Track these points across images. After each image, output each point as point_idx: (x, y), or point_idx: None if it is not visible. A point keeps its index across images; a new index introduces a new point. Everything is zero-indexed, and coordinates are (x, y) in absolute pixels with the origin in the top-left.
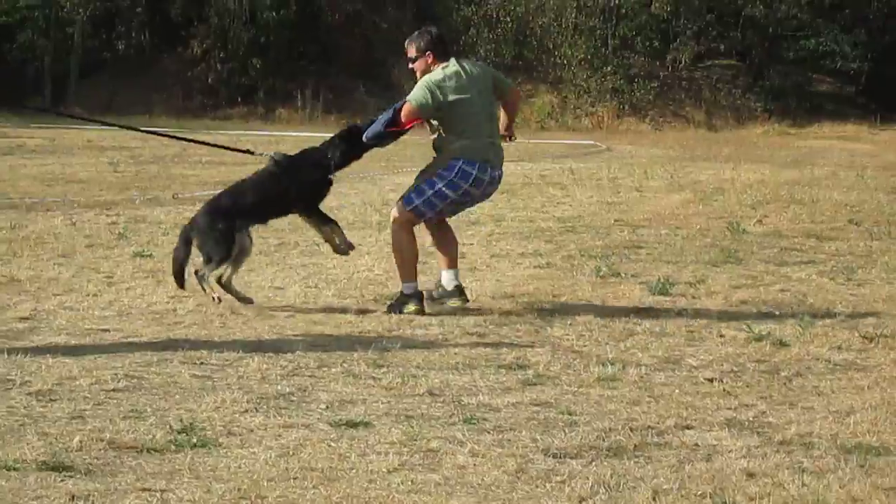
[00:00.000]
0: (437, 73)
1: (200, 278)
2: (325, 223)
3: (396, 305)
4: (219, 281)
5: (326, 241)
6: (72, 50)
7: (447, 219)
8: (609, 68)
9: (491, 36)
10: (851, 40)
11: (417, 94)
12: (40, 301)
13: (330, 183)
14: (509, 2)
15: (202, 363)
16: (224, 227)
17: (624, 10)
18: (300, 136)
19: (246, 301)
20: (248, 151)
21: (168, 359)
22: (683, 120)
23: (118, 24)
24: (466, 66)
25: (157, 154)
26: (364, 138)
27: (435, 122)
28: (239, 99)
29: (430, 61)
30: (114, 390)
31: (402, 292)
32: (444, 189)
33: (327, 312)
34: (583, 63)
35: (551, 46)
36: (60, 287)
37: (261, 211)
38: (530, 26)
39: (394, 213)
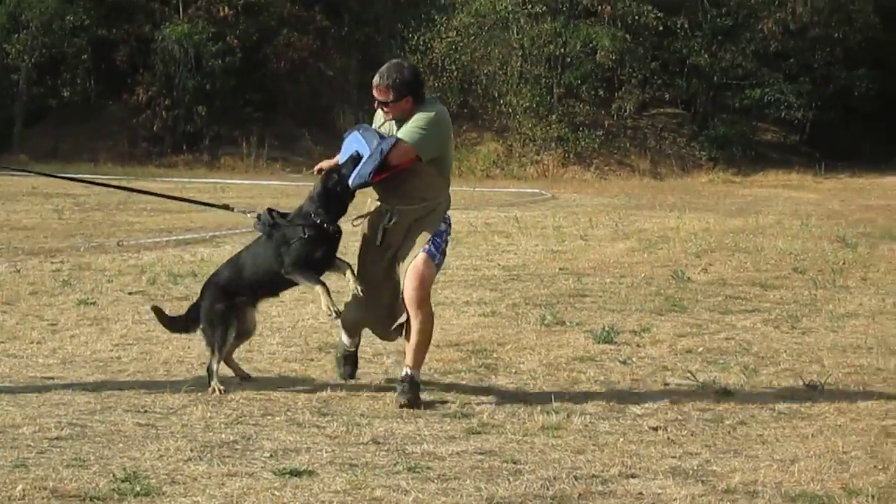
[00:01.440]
0: (437, 114)
1: (210, 373)
2: (310, 283)
3: (413, 399)
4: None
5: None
6: (16, 97)
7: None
8: (554, 117)
9: (436, 84)
10: (796, 89)
11: (420, 136)
12: None
13: (332, 238)
14: (455, 50)
15: (146, 411)
16: (223, 307)
17: (569, 59)
18: (244, 183)
19: (244, 377)
20: (225, 207)
21: (112, 407)
22: (628, 168)
23: (63, 72)
24: (434, 106)
25: (101, 201)
26: (350, 186)
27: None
28: (184, 146)
29: (409, 106)
30: (57, 438)
31: (412, 378)
32: (444, 246)
33: (271, 360)
34: (528, 111)
35: (496, 95)
36: (4, 334)
37: (265, 284)
38: (476, 74)
39: (420, 269)
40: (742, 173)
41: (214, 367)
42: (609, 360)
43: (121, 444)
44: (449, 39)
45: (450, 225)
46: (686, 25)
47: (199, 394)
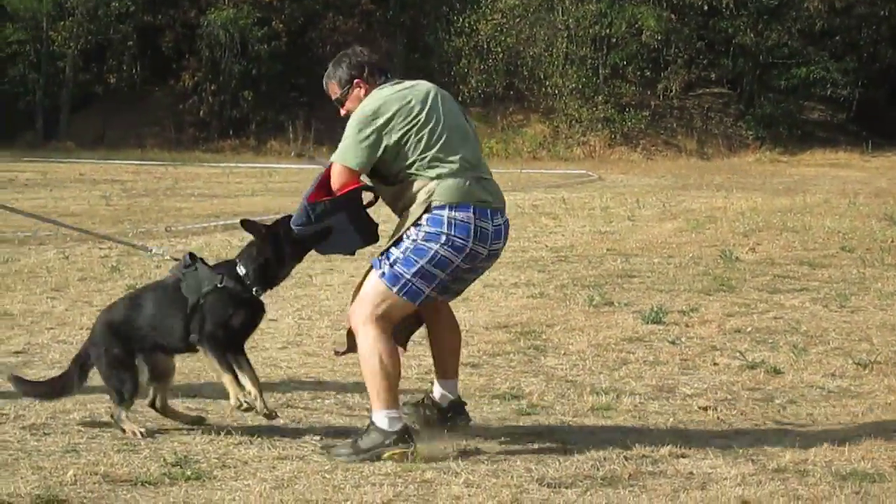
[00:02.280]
0: (368, 101)
1: (116, 422)
2: (224, 369)
3: (367, 450)
4: (152, 405)
5: (227, 388)
6: (63, 84)
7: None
8: (600, 98)
9: (482, 67)
10: (842, 67)
11: (345, 142)
12: (33, 335)
13: (252, 308)
14: (500, 32)
15: (196, 396)
16: (121, 352)
17: (615, 40)
18: (291, 167)
19: (196, 422)
20: (142, 248)
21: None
22: (675, 148)
23: (109, 58)
24: (418, 82)
25: (149, 187)
26: (294, 229)
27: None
28: (230, 131)
29: (363, 93)
30: (107, 424)
31: (377, 426)
32: (431, 260)
33: (321, 343)
34: (574, 93)
35: (542, 76)
36: (54, 320)
37: (159, 338)
38: (521, 56)
39: (360, 307)
40: (789, 152)
41: (123, 415)
42: (658, 340)
43: (172, 429)
44: (494, 21)
45: (430, 225)
46: (731, 5)
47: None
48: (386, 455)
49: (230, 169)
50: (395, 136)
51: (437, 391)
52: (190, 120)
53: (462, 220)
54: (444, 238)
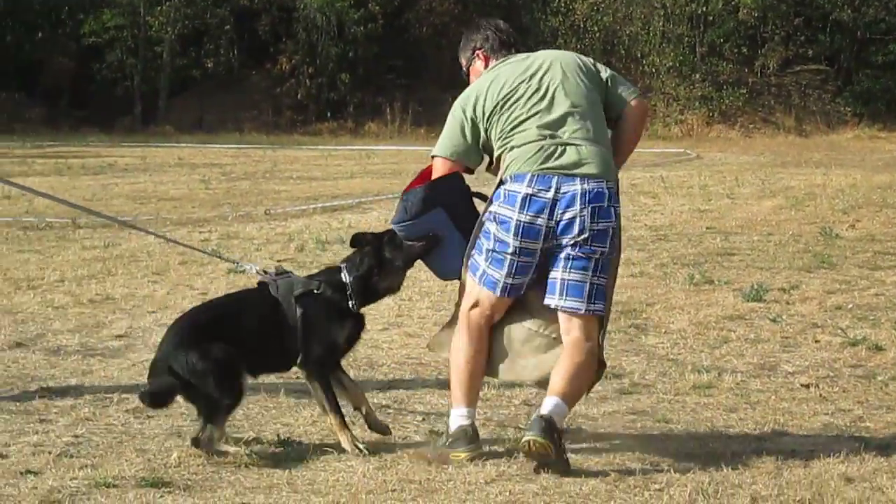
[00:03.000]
0: (473, 85)
1: (204, 445)
2: (331, 407)
3: (439, 447)
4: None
5: (333, 432)
6: (161, 69)
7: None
8: (697, 76)
9: (579, 46)
10: None
11: (443, 134)
12: (135, 318)
13: (353, 323)
14: (596, 11)
15: (298, 377)
16: (222, 354)
17: (711, 18)
18: (389, 149)
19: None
20: (229, 260)
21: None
22: (773, 126)
23: (207, 42)
24: (534, 53)
25: (247, 170)
26: (393, 226)
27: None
28: (328, 114)
29: (483, 65)
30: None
31: (448, 430)
32: (491, 241)
33: (422, 325)
34: (671, 71)
35: (639, 55)
36: (155, 304)
37: (256, 351)
38: (618, 35)
39: (462, 299)
40: (888, 129)
41: (216, 435)
42: (758, 318)
43: (274, 411)
44: (590, 0)
45: (490, 203)
46: None
47: (351, 359)
48: (451, 457)
49: (328, 151)
50: (483, 119)
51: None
52: (287, 103)
53: (512, 191)
54: (492, 215)
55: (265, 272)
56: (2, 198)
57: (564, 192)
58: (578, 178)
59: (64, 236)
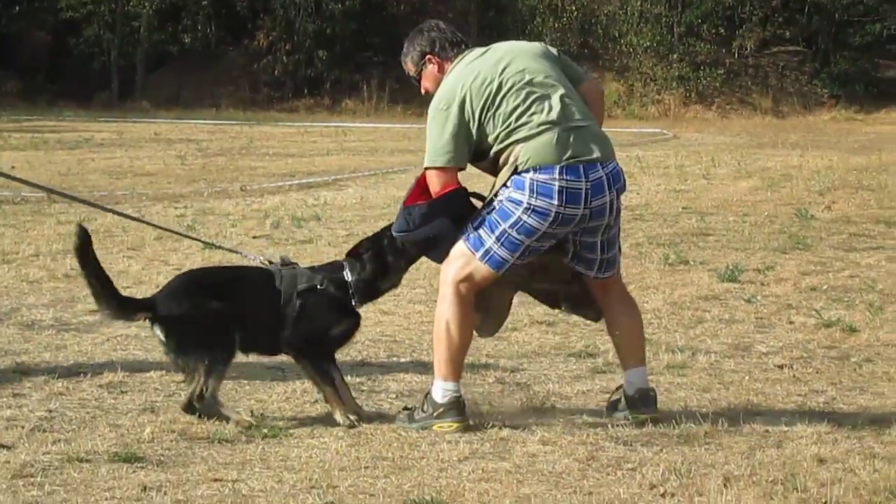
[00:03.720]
0: (438, 91)
1: (204, 406)
2: (322, 381)
3: (419, 421)
4: (189, 405)
5: (327, 403)
6: (138, 44)
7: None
8: (675, 56)
9: (556, 25)
10: None
11: (429, 142)
12: None
13: (352, 320)
14: None
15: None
16: (218, 307)
17: None
18: (366, 126)
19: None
20: (232, 250)
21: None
22: (750, 107)
23: (184, 18)
24: (493, 46)
25: (224, 146)
26: (394, 230)
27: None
28: (305, 91)
29: (436, 69)
30: (184, 381)
31: (430, 397)
32: (513, 230)
33: (396, 302)
34: (648, 51)
35: (617, 35)
36: (130, 279)
37: (244, 329)
38: (595, 14)
39: (446, 268)
40: (864, 111)
41: (215, 392)
42: (733, 298)
43: (248, 387)
44: None
45: (514, 189)
46: None
47: None
48: (435, 427)
49: (305, 128)
50: (474, 118)
51: (624, 380)
52: (264, 79)
53: (545, 182)
54: (525, 204)
55: (270, 262)
56: None
57: (594, 180)
58: (599, 164)
59: (39, 210)
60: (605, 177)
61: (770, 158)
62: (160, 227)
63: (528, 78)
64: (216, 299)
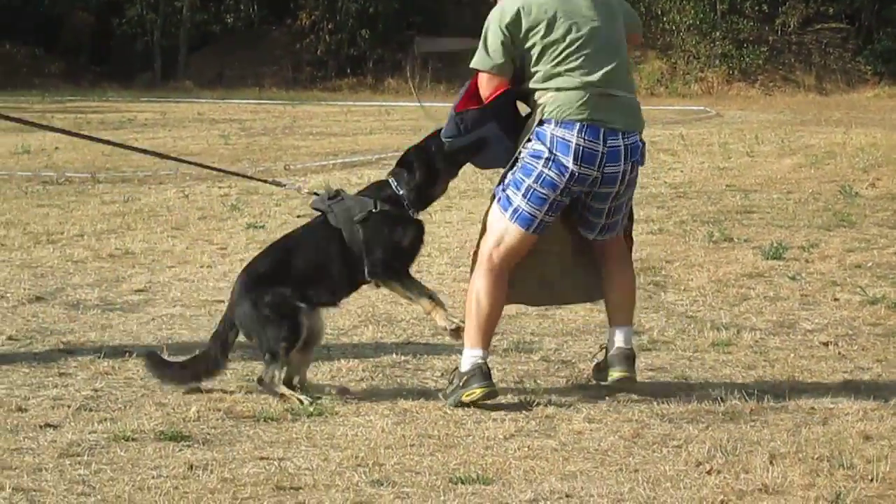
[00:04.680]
0: (495, 9)
1: (267, 387)
2: (417, 293)
3: (451, 391)
4: (289, 384)
5: (427, 314)
6: (181, 24)
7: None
8: (718, 33)
9: None
10: None
11: (480, 46)
12: (155, 273)
13: (416, 228)
14: None
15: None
16: (276, 299)
17: None
18: (409, 105)
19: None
20: (276, 183)
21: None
22: (793, 84)
23: None
24: None
25: (267, 126)
26: (445, 143)
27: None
28: (348, 70)
29: None
30: (230, 360)
31: (458, 370)
32: (537, 179)
33: (441, 280)
34: (691, 28)
35: (659, 12)
36: (174, 259)
37: (320, 284)
38: None
39: (483, 239)
40: None
41: (277, 377)
42: (778, 276)
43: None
44: None
45: (535, 141)
46: None
47: (370, 314)
48: (463, 398)
49: (348, 107)
50: (522, 37)
51: (608, 337)
52: (307, 59)
53: (563, 139)
54: (546, 154)
55: (316, 194)
56: (21, 152)
57: (611, 147)
58: (620, 134)
59: (83, 191)
60: (623, 147)
61: (814, 136)
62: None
63: (586, 27)
64: (276, 281)
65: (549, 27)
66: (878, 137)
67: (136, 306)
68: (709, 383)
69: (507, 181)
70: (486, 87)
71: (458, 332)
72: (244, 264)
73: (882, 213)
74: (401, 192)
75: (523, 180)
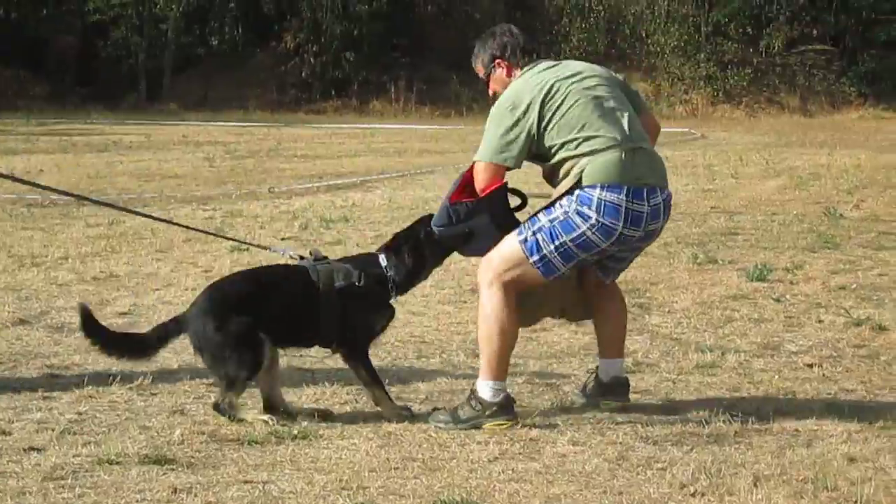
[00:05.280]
0: (507, 92)
1: (224, 412)
2: (372, 381)
3: (467, 420)
4: (266, 406)
5: (374, 403)
6: (165, 46)
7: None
8: (702, 55)
9: (583, 25)
10: None
11: (486, 137)
12: (139, 296)
13: (390, 315)
14: None
15: (302, 356)
16: (242, 329)
17: None
18: (393, 128)
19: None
20: (260, 246)
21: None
22: (778, 106)
23: (211, 20)
24: (564, 62)
25: (252, 148)
26: (434, 230)
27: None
28: (332, 92)
29: (505, 73)
30: (213, 384)
31: (478, 396)
32: (575, 240)
33: (426, 303)
34: (676, 50)
35: (644, 34)
36: (159, 282)
37: (286, 326)
38: (623, 14)
39: (490, 266)
40: (893, 109)
41: (234, 400)
42: (762, 297)
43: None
44: None
45: (581, 204)
46: None
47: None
48: (487, 426)
49: (332, 130)
50: (536, 125)
51: (600, 368)
52: (292, 81)
53: (612, 203)
54: (593, 220)
55: (301, 258)
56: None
57: (653, 206)
58: (659, 190)
59: (68, 213)
60: (663, 203)
61: (798, 157)
62: (190, 228)
63: (597, 94)
64: (244, 309)
65: (555, 108)
66: (863, 159)
67: (121, 329)
68: (693, 405)
69: (539, 224)
70: (482, 176)
71: (400, 420)
72: None
73: (866, 234)
74: (389, 274)
75: (560, 235)
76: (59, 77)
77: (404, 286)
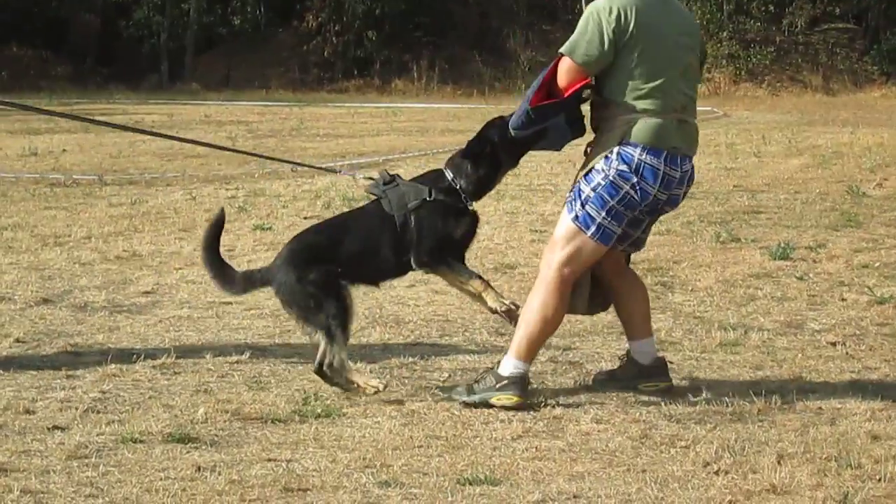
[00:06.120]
0: (597, 2)
1: (334, 372)
2: (468, 276)
3: (482, 389)
4: (320, 369)
5: (475, 296)
6: (187, 26)
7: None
8: (725, 34)
9: None
10: None
11: (577, 34)
12: (162, 275)
13: (470, 220)
14: None
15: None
16: (323, 277)
17: None
18: (415, 107)
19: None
20: (329, 170)
21: (291, 330)
22: (800, 84)
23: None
24: None
25: (274, 128)
26: (511, 131)
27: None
28: (355, 71)
29: None
30: (237, 362)
31: (496, 371)
32: (622, 200)
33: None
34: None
35: None
36: (182, 261)
37: (367, 266)
38: None
39: (552, 252)
40: None
41: (342, 356)
42: (785, 276)
43: (300, 367)
44: None
45: (621, 162)
46: None
47: (377, 315)
48: (493, 399)
49: (354, 109)
50: (625, 41)
51: (637, 349)
52: (314, 60)
53: (651, 165)
54: (634, 180)
55: (371, 179)
56: (29, 154)
57: (685, 171)
58: (688, 159)
59: (91, 193)
60: (689, 171)
61: (821, 136)
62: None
63: (683, 53)
64: (325, 257)
65: (653, 44)
66: (886, 137)
67: (144, 308)
68: (716, 384)
69: (584, 196)
70: (567, 76)
71: (509, 313)
72: (250, 266)
73: (889, 213)
74: (459, 183)
75: (607, 201)
76: (80, 57)
77: (477, 193)
